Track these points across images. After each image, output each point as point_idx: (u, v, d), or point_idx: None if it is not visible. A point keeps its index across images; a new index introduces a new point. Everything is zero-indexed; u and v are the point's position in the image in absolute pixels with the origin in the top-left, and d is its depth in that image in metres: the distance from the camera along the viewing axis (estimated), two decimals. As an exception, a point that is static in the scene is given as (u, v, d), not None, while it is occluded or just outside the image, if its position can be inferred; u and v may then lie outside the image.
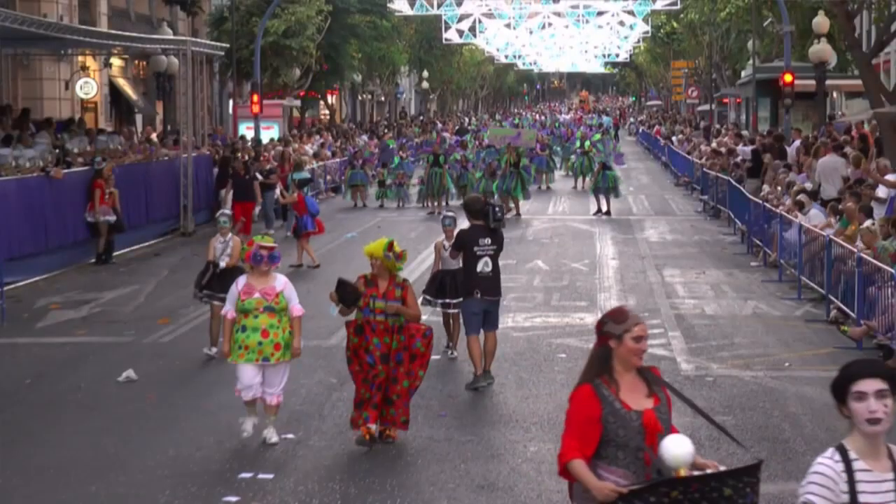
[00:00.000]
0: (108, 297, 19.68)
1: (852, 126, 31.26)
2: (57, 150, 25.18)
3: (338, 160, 41.94)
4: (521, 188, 32.36)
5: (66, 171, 23.50)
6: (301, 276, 21.91)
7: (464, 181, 34.60)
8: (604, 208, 32.53)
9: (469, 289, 13.18)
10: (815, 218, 19.98)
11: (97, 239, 23.73)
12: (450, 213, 14.89)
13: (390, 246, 10.91)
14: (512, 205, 31.25)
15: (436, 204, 33.28)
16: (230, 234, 15.13)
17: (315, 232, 23.01)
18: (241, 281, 11.06)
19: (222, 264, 14.79)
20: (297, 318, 11.05)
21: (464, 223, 13.68)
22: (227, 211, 15.50)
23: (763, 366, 14.33)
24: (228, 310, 11.06)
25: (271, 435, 11.10)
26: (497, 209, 13.32)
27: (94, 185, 23.61)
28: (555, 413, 12.27)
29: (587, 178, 38.65)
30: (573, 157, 43.54)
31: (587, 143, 41.22)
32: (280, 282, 11.05)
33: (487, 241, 13.13)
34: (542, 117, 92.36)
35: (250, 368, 10.97)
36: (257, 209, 26.35)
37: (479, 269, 13.02)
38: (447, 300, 14.43)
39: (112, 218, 23.72)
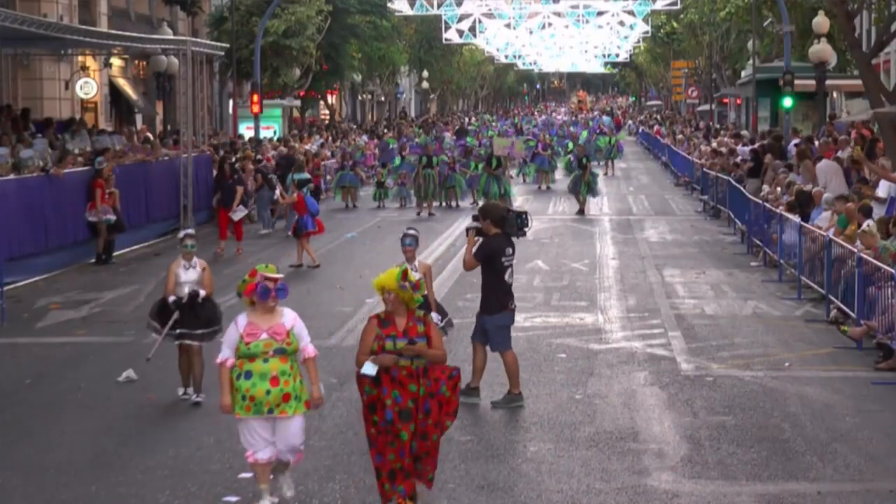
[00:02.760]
0: (108, 297, 19.68)
1: (852, 126, 31.27)
2: (56, 150, 25.20)
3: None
4: (509, 189, 32.83)
5: (66, 170, 23.51)
6: (301, 275, 21.91)
7: (451, 182, 34.60)
8: (580, 207, 32.98)
9: (503, 302, 12.54)
10: (824, 221, 19.89)
11: (97, 239, 23.72)
12: (411, 232, 12.95)
13: (404, 275, 9.11)
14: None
15: (425, 205, 33.29)
16: (195, 259, 12.84)
17: (315, 232, 22.99)
18: (242, 320, 9.20)
19: (202, 293, 12.69)
20: (313, 360, 9.35)
21: (424, 241, 13.13)
22: (192, 231, 13.21)
23: (763, 366, 14.33)
24: (227, 357, 9.17)
25: (287, 487, 9.52)
26: (523, 216, 12.69)
27: (95, 185, 23.60)
28: (555, 413, 12.27)
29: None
30: (569, 156, 43.60)
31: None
32: (288, 318, 9.27)
33: (510, 250, 12.54)
34: (544, 117, 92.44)
35: (260, 424, 9.21)
36: (236, 216, 25.62)
37: (507, 279, 12.54)
38: None
39: (112, 217, 23.70)
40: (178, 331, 12.66)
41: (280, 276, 9.33)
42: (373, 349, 8.99)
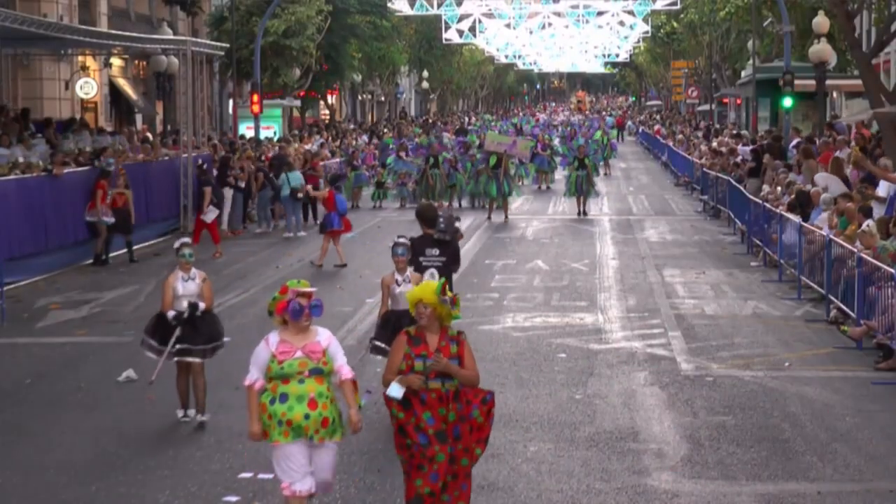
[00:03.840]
0: (108, 297, 19.67)
1: (852, 127, 31.29)
2: (56, 150, 25.20)
3: (337, 160, 41.93)
4: (514, 189, 32.62)
5: (67, 170, 23.50)
6: (301, 275, 21.91)
7: (452, 181, 34.57)
8: (581, 208, 32.86)
9: None
10: (823, 222, 19.89)
11: (96, 239, 23.68)
12: (402, 240, 12.15)
13: (443, 288, 8.47)
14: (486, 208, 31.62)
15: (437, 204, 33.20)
16: (194, 270, 11.88)
17: (342, 231, 22.88)
18: (273, 338, 8.42)
19: (202, 306, 11.78)
20: (349, 382, 8.55)
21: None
22: (188, 240, 12.21)
23: (763, 366, 14.33)
24: (256, 378, 8.44)
25: None
26: (442, 221, 12.70)
27: (97, 186, 23.52)
28: (555, 413, 12.27)
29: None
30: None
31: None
32: (324, 336, 8.50)
33: (435, 252, 12.57)
34: (543, 117, 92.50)
35: (300, 451, 8.33)
36: (207, 217, 24.79)
37: (426, 278, 12.27)
38: None
39: (111, 220, 23.56)
40: (177, 346, 11.72)
41: (313, 290, 8.49)
42: (401, 368, 8.32)
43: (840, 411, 12.28)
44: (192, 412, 11.91)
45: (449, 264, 12.65)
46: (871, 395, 12.95)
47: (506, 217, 31.45)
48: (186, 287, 11.75)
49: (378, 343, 11.99)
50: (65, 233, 23.19)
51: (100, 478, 10.29)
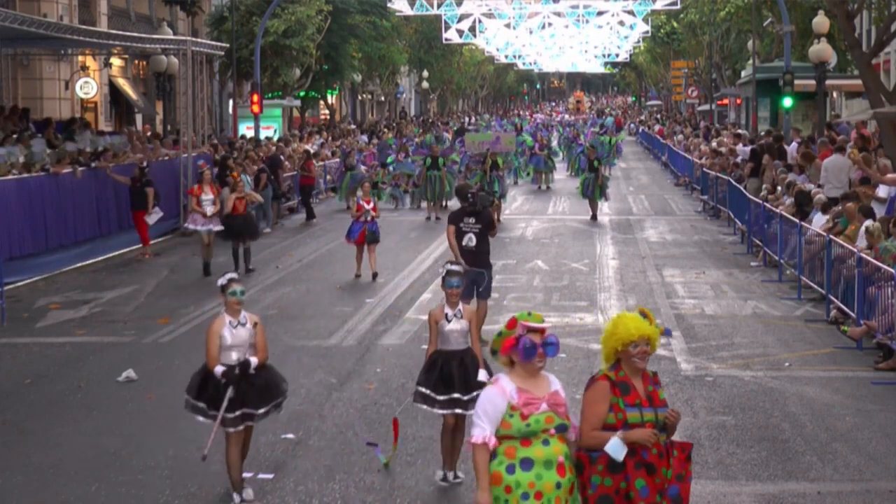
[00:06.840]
0: (108, 297, 19.68)
1: (853, 126, 31.29)
2: (58, 151, 25.20)
3: (337, 160, 41.92)
4: (505, 191, 32.43)
5: (66, 170, 23.51)
6: (301, 275, 21.90)
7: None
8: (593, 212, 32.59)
9: (463, 260, 14.20)
10: (817, 223, 19.89)
11: (204, 247, 22.09)
12: (455, 268, 10.27)
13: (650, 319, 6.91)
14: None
15: (433, 205, 32.92)
16: (244, 314, 9.61)
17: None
18: (509, 385, 6.68)
19: (254, 362, 9.51)
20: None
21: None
22: (235, 275, 9.85)
23: (763, 366, 14.34)
24: (488, 435, 6.61)
25: None
26: (470, 194, 15.34)
27: (188, 191, 22.59)
28: (555, 413, 12.25)
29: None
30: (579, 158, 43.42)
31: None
32: (558, 383, 6.86)
33: (472, 220, 15.15)
34: (540, 115, 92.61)
35: None
36: (151, 219, 24.20)
37: (463, 243, 15.02)
38: (455, 395, 9.93)
39: (205, 227, 21.94)
40: (237, 412, 9.48)
41: (546, 325, 6.91)
42: (608, 422, 6.68)
43: (840, 411, 12.28)
44: (249, 492, 9.69)
45: (485, 230, 15.13)
46: (871, 395, 12.95)
47: (498, 218, 31.32)
48: (237, 335, 9.52)
49: (423, 390, 10.05)
50: (65, 233, 23.20)
51: (100, 478, 10.29)
